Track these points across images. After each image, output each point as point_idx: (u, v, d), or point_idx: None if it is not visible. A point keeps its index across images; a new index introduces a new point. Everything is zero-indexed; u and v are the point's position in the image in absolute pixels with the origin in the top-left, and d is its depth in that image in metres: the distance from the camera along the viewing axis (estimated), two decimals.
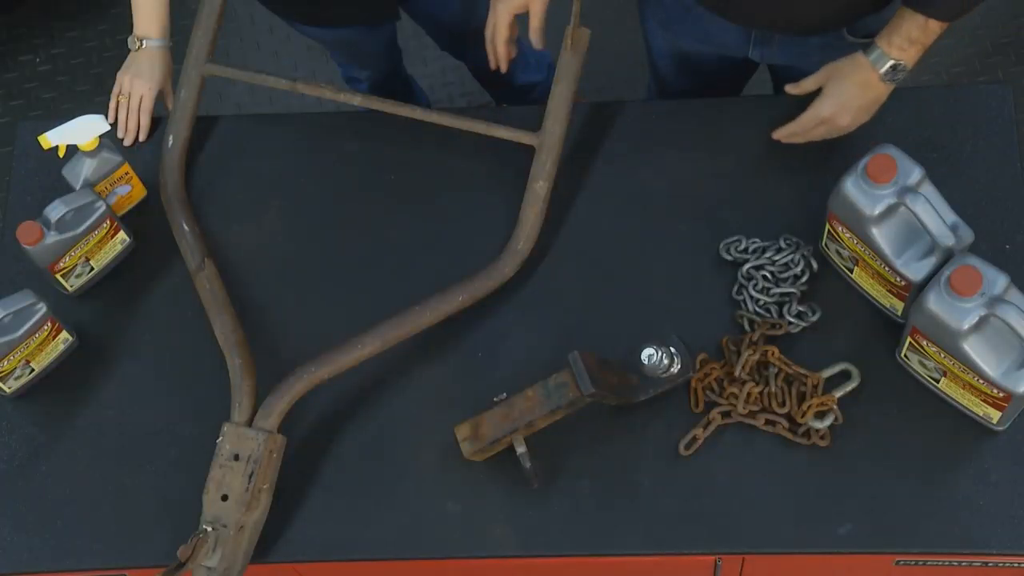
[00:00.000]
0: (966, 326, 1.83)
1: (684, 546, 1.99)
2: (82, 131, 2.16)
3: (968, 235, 1.94)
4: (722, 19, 2.12)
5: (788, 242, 2.11)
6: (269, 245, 2.24)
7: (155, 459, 2.09)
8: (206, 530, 1.93)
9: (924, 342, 1.92)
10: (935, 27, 1.95)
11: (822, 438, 2.00)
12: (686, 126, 2.25)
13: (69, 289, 2.20)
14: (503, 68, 2.19)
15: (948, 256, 1.90)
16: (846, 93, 2.02)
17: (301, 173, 2.30)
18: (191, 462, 2.05)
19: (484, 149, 2.24)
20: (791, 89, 2.10)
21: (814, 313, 2.07)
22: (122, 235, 2.21)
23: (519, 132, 2.18)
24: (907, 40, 1.96)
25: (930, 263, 1.91)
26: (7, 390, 2.12)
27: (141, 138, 2.33)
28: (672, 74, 2.47)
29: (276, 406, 2.01)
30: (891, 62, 1.98)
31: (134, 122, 2.31)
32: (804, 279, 2.09)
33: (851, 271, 2.06)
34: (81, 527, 2.06)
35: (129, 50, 2.31)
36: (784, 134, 2.13)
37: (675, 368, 2.00)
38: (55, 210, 2.10)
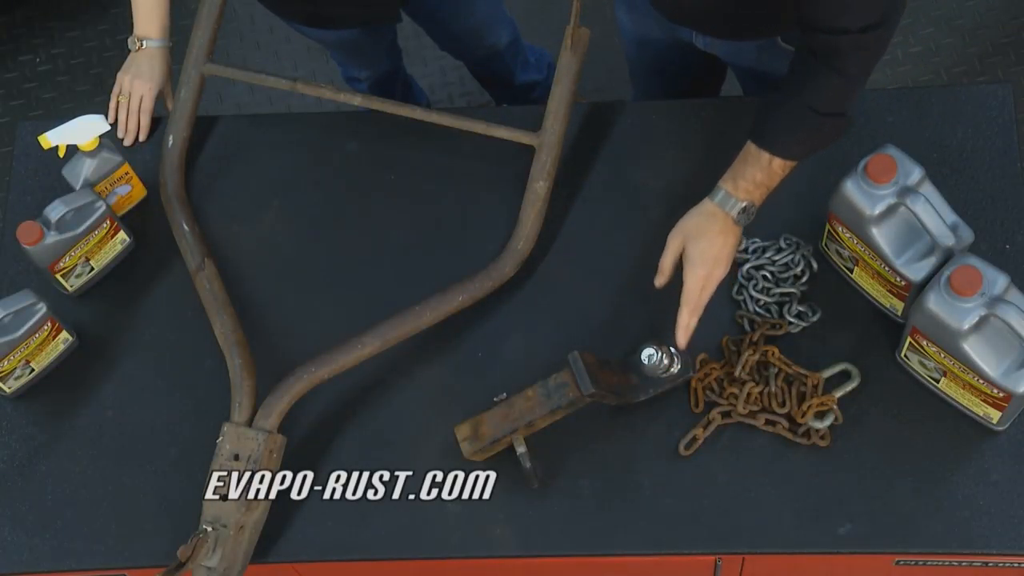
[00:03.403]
0: (966, 326, 1.83)
1: (684, 546, 1.99)
2: (82, 131, 2.16)
3: (968, 235, 1.94)
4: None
5: (788, 242, 2.11)
6: (269, 245, 2.24)
7: (155, 459, 2.09)
8: (206, 530, 1.93)
9: (924, 342, 1.92)
10: (778, 167, 1.93)
11: (822, 438, 2.00)
12: (685, 126, 2.25)
13: (69, 289, 2.20)
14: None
15: (948, 256, 1.90)
16: (709, 247, 1.96)
17: (301, 173, 2.30)
18: (191, 462, 2.05)
19: (484, 149, 2.24)
20: (659, 282, 2.01)
21: (814, 313, 2.07)
22: (122, 235, 2.21)
23: (519, 132, 2.18)
24: (752, 183, 1.94)
25: (930, 263, 1.91)
26: (7, 390, 2.12)
27: (141, 138, 2.33)
28: (639, 59, 2.49)
29: (276, 406, 2.01)
30: (741, 204, 1.94)
31: (134, 122, 2.31)
32: (804, 279, 2.09)
33: (851, 271, 2.06)
34: (81, 527, 2.06)
35: (129, 50, 2.31)
36: (684, 328, 1.97)
37: (675, 368, 2.00)
38: (55, 210, 2.10)
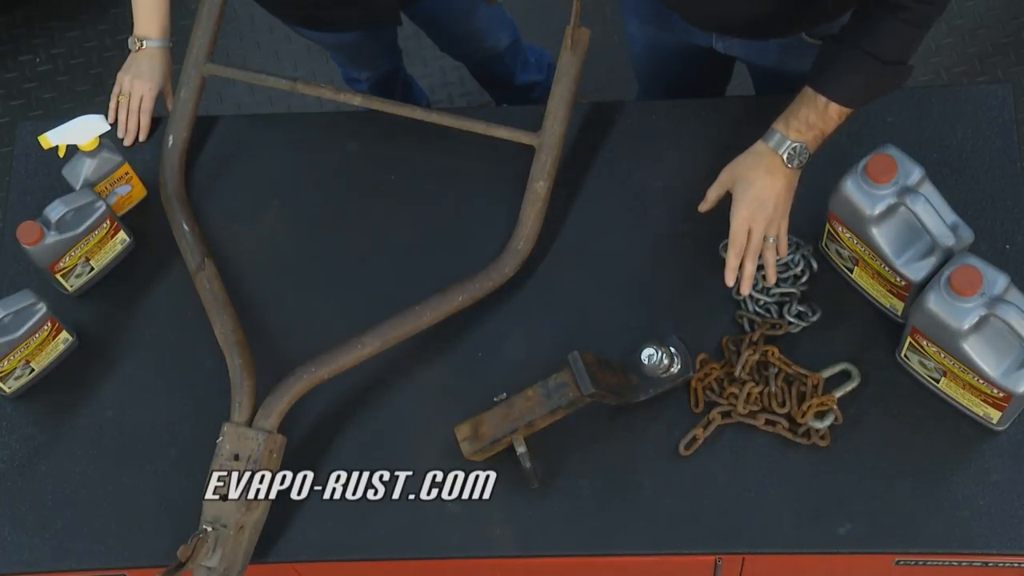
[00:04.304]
0: (966, 326, 1.83)
1: (684, 546, 1.99)
2: (82, 131, 2.16)
3: (968, 235, 1.94)
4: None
5: (788, 242, 2.11)
6: (269, 245, 2.24)
7: (155, 459, 2.09)
8: (206, 530, 1.93)
9: (924, 342, 1.92)
10: (834, 113, 1.91)
11: (822, 438, 2.00)
12: (685, 126, 2.25)
13: (69, 289, 2.20)
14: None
15: (948, 256, 1.90)
16: (755, 188, 1.95)
17: (301, 173, 2.30)
18: (191, 462, 2.06)
19: (484, 149, 2.24)
20: (702, 208, 2.03)
21: (814, 313, 2.07)
22: (122, 235, 2.21)
23: (519, 132, 2.18)
24: (805, 123, 1.92)
25: (930, 263, 1.91)
26: (7, 390, 2.12)
27: (141, 138, 2.33)
28: (649, 68, 2.49)
29: (276, 406, 2.01)
30: (791, 145, 1.93)
31: (134, 122, 2.31)
32: (804, 279, 2.09)
33: (851, 271, 2.06)
34: (81, 527, 2.06)
35: (129, 50, 2.31)
36: (733, 263, 1.96)
37: (675, 368, 2.00)
38: (55, 210, 2.10)
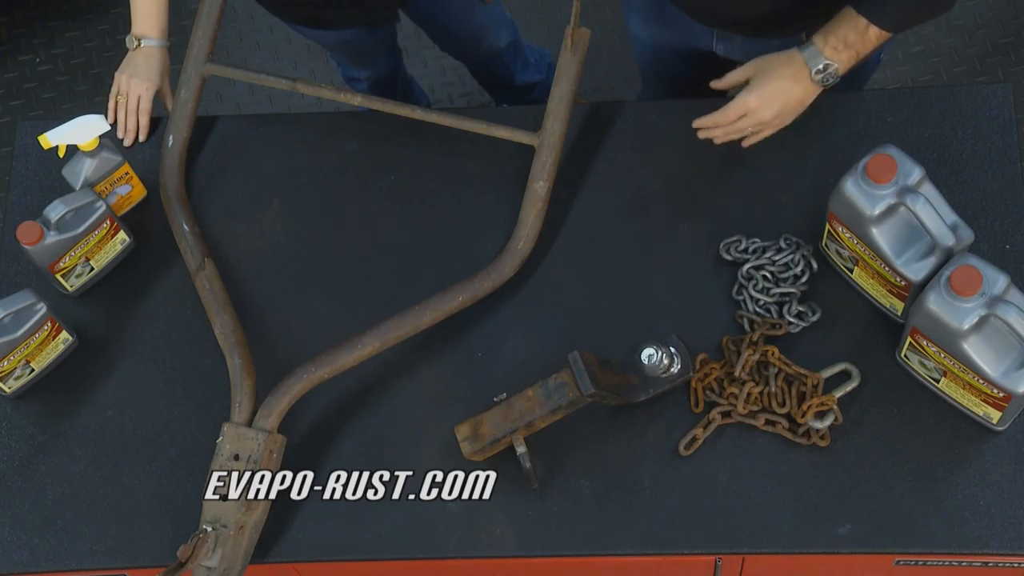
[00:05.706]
0: (966, 326, 1.83)
1: (684, 546, 1.99)
2: (82, 131, 2.16)
3: (968, 235, 1.94)
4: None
5: (788, 242, 2.11)
6: (269, 245, 2.24)
7: (155, 459, 2.09)
8: (206, 530, 1.93)
9: (924, 342, 1.92)
10: (873, 35, 1.93)
11: (822, 438, 2.00)
12: (686, 126, 2.25)
13: (69, 289, 2.20)
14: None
15: (948, 256, 1.90)
16: (774, 86, 1.98)
17: (301, 173, 2.30)
18: (191, 462, 2.06)
19: (484, 149, 2.24)
20: (715, 84, 2.06)
21: (814, 313, 2.07)
22: (122, 235, 2.21)
23: (519, 132, 2.18)
24: (843, 42, 1.94)
25: (930, 263, 1.91)
26: (7, 390, 2.12)
27: (141, 138, 2.33)
28: (652, 68, 2.49)
29: (276, 406, 2.01)
30: (823, 62, 1.95)
31: (133, 122, 2.31)
32: (804, 279, 2.09)
33: (851, 271, 2.06)
34: (81, 527, 2.06)
35: (127, 49, 2.31)
36: (707, 122, 2.06)
37: (675, 368, 2.00)
38: (55, 210, 2.10)
